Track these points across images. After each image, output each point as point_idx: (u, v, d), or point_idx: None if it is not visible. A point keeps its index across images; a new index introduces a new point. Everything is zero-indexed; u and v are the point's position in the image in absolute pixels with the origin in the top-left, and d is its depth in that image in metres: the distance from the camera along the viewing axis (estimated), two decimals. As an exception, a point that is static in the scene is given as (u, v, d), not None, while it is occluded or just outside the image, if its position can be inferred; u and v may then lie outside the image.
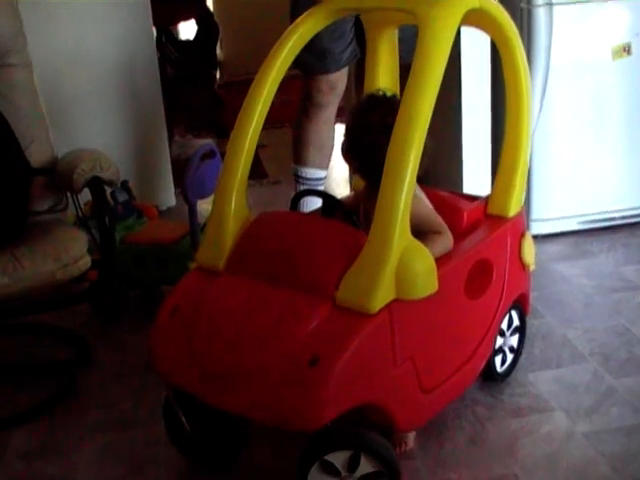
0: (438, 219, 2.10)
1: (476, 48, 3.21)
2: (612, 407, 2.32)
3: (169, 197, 4.38)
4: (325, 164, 3.29)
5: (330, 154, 3.27)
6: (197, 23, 6.17)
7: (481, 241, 2.20)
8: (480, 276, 2.18)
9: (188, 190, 2.83)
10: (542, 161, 3.32)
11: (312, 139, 3.21)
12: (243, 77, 5.42)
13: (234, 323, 1.88)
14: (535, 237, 2.48)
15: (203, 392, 1.89)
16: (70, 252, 2.55)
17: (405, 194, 1.75)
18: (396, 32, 2.41)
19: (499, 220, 2.31)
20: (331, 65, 3.07)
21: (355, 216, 2.09)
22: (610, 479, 2.03)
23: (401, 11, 2.06)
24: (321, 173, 3.28)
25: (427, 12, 1.87)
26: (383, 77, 2.41)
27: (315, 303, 1.82)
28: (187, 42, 6.27)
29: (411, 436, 2.17)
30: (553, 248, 3.38)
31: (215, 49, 6.43)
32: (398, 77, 2.44)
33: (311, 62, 2.99)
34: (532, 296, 2.54)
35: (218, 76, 6.96)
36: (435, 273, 1.85)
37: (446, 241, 2.07)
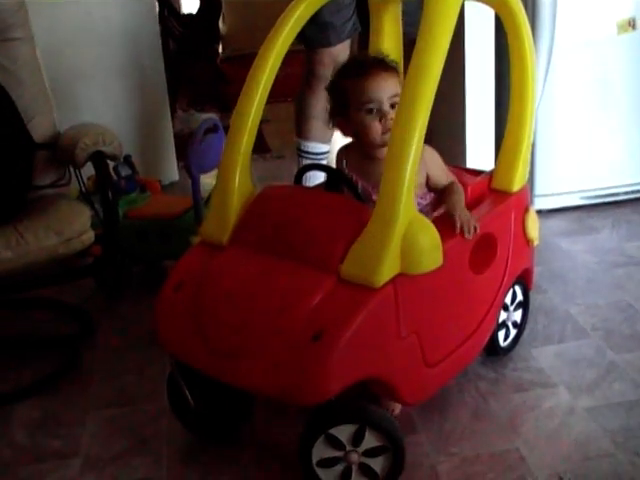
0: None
1: (480, 22, 3.19)
2: (614, 382, 2.33)
3: (172, 171, 4.38)
4: (328, 138, 3.28)
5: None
6: (200, -3, 6.16)
7: (485, 215, 2.20)
8: (485, 250, 2.18)
9: (191, 164, 2.83)
10: (546, 136, 3.32)
11: (314, 112, 3.20)
12: (245, 51, 5.40)
13: (238, 297, 1.88)
14: (538, 212, 2.48)
15: (207, 366, 1.90)
16: (73, 226, 2.55)
17: (410, 169, 1.74)
18: (400, 6, 2.40)
19: (503, 195, 2.31)
20: (333, 38, 3.06)
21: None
22: (611, 454, 2.04)
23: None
24: (324, 147, 3.27)
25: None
26: (387, 51, 2.40)
27: (319, 277, 1.82)
28: (190, 16, 6.26)
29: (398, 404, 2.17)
30: (556, 223, 3.38)
31: (218, 23, 6.42)
32: (402, 51, 2.43)
33: (313, 35, 2.98)
34: (535, 271, 2.54)
35: (221, 50, 6.95)
36: (440, 248, 1.85)
37: (460, 186, 2.16)
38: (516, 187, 2.32)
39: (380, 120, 2.04)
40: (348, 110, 2.09)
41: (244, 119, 2.06)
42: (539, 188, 3.42)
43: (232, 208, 2.03)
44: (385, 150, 1.86)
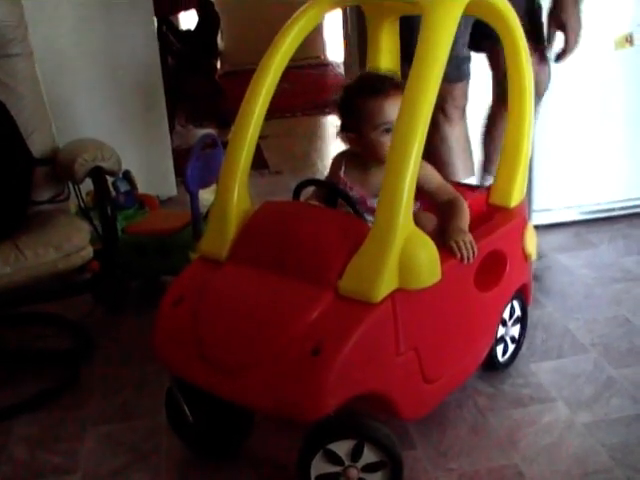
0: (448, 184, 2.20)
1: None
2: (612, 397, 2.33)
3: (171, 187, 4.38)
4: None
5: None
6: (198, 13, 6.17)
7: (495, 232, 2.21)
8: (493, 268, 2.19)
9: (189, 180, 2.83)
10: (544, 151, 3.32)
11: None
12: (244, 67, 5.42)
13: (237, 313, 1.88)
14: (536, 227, 2.48)
15: (206, 382, 1.89)
16: (72, 242, 2.55)
17: (408, 185, 1.75)
18: (397, 22, 2.41)
19: (502, 210, 2.31)
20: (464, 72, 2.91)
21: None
22: (610, 469, 2.04)
23: (404, 1, 2.06)
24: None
25: (430, 2, 1.87)
26: (385, 65, 2.40)
27: (318, 292, 1.82)
28: (188, 32, 6.27)
29: None
30: (554, 238, 3.39)
31: (216, 39, 6.43)
32: (400, 67, 2.43)
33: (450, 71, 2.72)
34: (533, 286, 2.55)
35: (219, 66, 6.96)
36: (438, 262, 1.85)
37: (465, 204, 2.15)
38: (514, 202, 2.32)
39: None
40: (361, 127, 2.12)
41: (243, 135, 2.07)
42: (537, 203, 3.42)
43: (230, 224, 2.04)
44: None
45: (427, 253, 1.83)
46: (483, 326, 2.26)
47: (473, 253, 2.02)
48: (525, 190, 2.38)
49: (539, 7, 2.79)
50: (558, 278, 3.02)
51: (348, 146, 2.23)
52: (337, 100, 2.22)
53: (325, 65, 8.36)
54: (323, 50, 8.58)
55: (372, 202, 2.13)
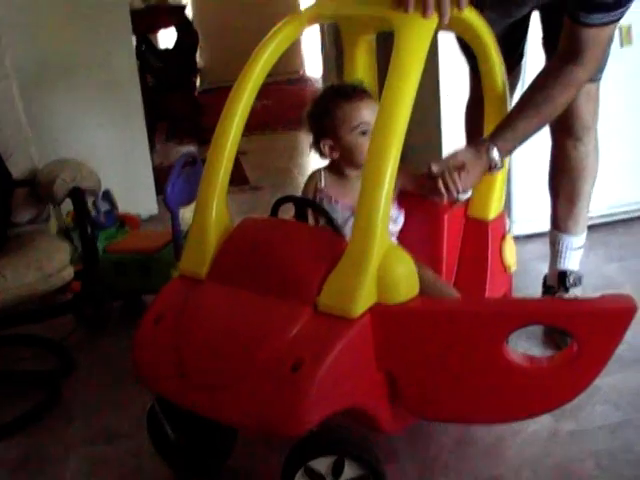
0: (442, 285, 2.17)
1: (454, 47, 3.21)
2: (596, 405, 2.34)
3: (151, 205, 4.38)
4: None
5: None
6: (176, 31, 6.19)
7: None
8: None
9: (170, 198, 2.83)
10: (522, 161, 3.33)
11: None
12: (223, 83, 5.43)
13: (217, 331, 1.88)
14: (517, 237, 2.49)
15: (187, 400, 1.89)
16: (53, 263, 2.55)
17: (384, 199, 1.75)
18: (374, 38, 2.41)
19: (480, 223, 2.32)
20: None
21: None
22: (595, 476, 2.05)
23: (378, 18, 2.07)
24: None
25: (403, 18, 1.88)
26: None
27: (297, 309, 1.82)
28: (167, 50, 6.29)
29: None
30: (535, 248, 3.39)
31: (195, 56, 6.45)
32: (376, 83, 2.44)
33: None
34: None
35: (198, 83, 6.98)
36: (416, 277, 1.85)
37: None
38: (493, 215, 2.33)
39: None
40: (337, 132, 2.16)
41: (221, 152, 2.06)
42: (516, 213, 3.44)
43: (210, 241, 2.04)
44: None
45: (405, 267, 1.83)
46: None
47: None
48: (503, 202, 2.39)
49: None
50: (539, 287, 3.02)
51: (323, 157, 2.26)
52: (308, 111, 2.26)
53: (304, 80, 8.39)
54: (302, 66, 8.62)
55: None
